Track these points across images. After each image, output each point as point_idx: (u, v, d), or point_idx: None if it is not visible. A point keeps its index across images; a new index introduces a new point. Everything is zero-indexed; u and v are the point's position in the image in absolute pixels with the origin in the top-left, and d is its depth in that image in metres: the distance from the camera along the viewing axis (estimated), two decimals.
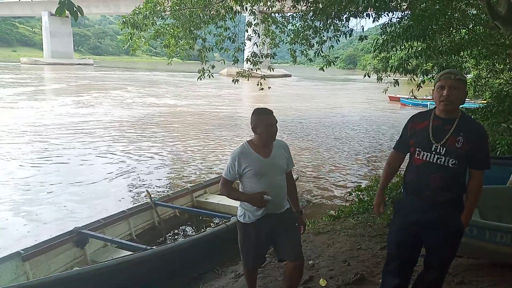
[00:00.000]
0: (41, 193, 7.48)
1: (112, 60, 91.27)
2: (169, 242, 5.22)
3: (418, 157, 2.29)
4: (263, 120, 2.65)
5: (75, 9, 2.85)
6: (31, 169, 8.92)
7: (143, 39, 9.63)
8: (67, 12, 2.85)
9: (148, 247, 4.14)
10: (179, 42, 9.56)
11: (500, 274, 3.14)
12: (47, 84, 32.53)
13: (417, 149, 2.29)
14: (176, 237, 5.80)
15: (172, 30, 9.35)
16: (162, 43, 10.00)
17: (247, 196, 2.69)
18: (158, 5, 8.77)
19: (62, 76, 39.43)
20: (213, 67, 9.17)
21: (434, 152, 2.22)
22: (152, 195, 5.88)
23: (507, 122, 7.31)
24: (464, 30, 8.85)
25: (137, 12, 8.76)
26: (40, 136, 12.23)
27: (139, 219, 5.60)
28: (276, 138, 2.82)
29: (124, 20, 8.84)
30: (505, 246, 3.03)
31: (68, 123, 14.56)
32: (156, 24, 9.27)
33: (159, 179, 8.67)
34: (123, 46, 10.14)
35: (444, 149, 2.19)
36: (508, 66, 9.66)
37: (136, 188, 8.03)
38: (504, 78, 11.81)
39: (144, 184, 8.19)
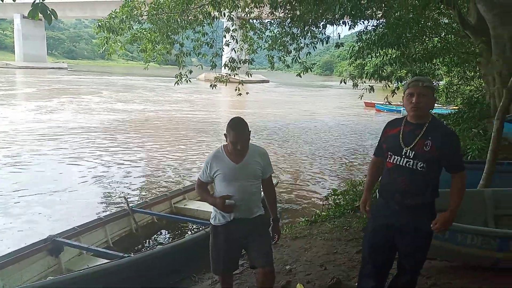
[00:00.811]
0: (12, 201, 7.22)
1: (87, 64, 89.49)
2: (146, 250, 5.13)
3: (389, 160, 2.37)
4: (230, 135, 2.66)
5: (48, 12, 2.79)
6: None
7: (119, 44, 9.51)
8: (40, 15, 2.79)
9: (125, 255, 4.05)
10: (156, 46, 9.48)
11: (472, 276, 3.22)
12: (18, 88, 31.57)
13: (389, 153, 2.38)
14: (154, 244, 5.68)
15: (149, 34, 9.26)
16: (139, 47, 9.90)
17: (212, 200, 2.74)
18: (135, 9, 8.69)
19: (34, 80, 38.39)
20: (190, 72, 9.12)
21: (404, 156, 2.30)
22: (129, 202, 5.77)
23: (478, 128, 7.54)
24: (436, 39, 9.13)
25: (113, 16, 8.65)
26: (8, 142, 11.82)
27: (116, 226, 5.46)
28: (254, 144, 2.84)
29: (99, 24, 8.71)
30: (476, 248, 3.11)
31: (38, 128, 14.09)
32: (132, 29, 9.17)
33: (135, 186, 8.52)
34: (99, 50, 10.00)
35: (413, 152, 2.27)
36: (478, 73, 10.01)
37: (112, 195, 7.86)
38: (475, 85, 12.24)
39: (121, 191, 8.03)
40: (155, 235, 5.97)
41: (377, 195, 2.58)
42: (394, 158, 2.34)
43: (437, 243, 3.11)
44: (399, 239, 2.35)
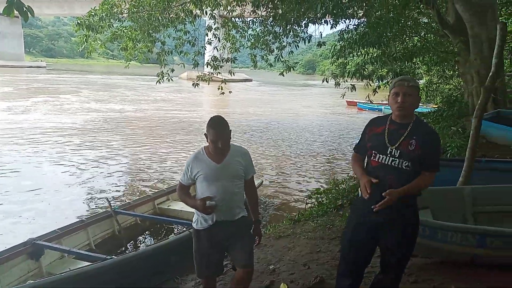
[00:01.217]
0: None
1: (67, 62, 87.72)
2: (129, 251, 5.06)
3: (374, 159, 2.37)
4: (210, 134, 2.62)
5: (24, 9, 2.70)
6: None
7: (99, 42, 9.36)
8: (16, 12, 2.70)
9: (108, 257, 3.98)
10: (137, 45, 9.37)
11: (452, 272, 3.27)
12: None
13: (373, 151, 2.38)
14: (137, 246, 5.63)
15: (129, 32, 9.14)
16: (120, 46, 9.75)
17: (192, 202, 2.69)
18: (115, 6, 8.56)
19: (11, 79, 37.43)
20: (172, 70, 9.05)
21: (389, 155, 2.30)
22: (112, 203, 5.67)
23: (457, 126, 7.69)
24: (416, 38, 9.27)
25: (93, 13, 8.49)
26: None
27: (98, 228, 5.36)
28: (236, 144, 2.80)
29: (79, 21, 8.54)
30: (456, 245, 3.16)
31: (15, 128, 13.77)
32: (113, 26, 9.03)
33: (118, 187, 8.41)
34: (78, 49, 9.81)
35: (398, 151, 2.28)
36: (457, 72, 10.20)
37: (94, 196, 7.73)
38: (453, 84, 12.48)
39: (103, 192, 7.90)
40: (138, 237, 5.90)
41: (359, 192, 2.58)
42: (379, 156, 2.34)
43: (418, 240, 3.15)
44: (384, 235, 2.35)
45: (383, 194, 2.22)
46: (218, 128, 2.63)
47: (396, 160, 2.28)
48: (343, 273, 2.56)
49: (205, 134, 2.68)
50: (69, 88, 30.72)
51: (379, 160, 2.34)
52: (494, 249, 3.11)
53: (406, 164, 2.26)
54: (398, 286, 2.53)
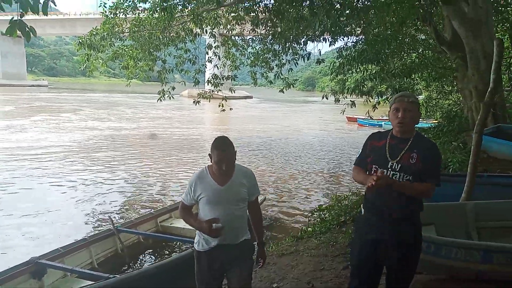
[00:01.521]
0: None
1: (68, 81, 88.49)
2: (132, 270, 5.00)
3: (375, 173, 2.36)
4: (214, 155, 2.53)
5: (27, 29, 2.74)
6: None
7: (101, 60, 9.48)
8: (19, 32, 2.74)
9: (111, 276, 3.95)
10: (138, 63, 9.49)
11: None
12: None
13: (374, 166, 2.38)
14: (140, 264, 5.57)
15: (131, 51, 9.26)
16: (121, 64, 9.86)
17: (197, 224, 2.58)
18: (116, 26, 8.69)
19: (12, 97, 37.68)
20: (173, 88, 9.14)
21: (390, 169, 2.30)
22: (114, 221, 5.64)
23: (457, 141, 7.69)
24: (414, 54, 9.36)
25: (94, 33, 8.62)
26: None
27: (101, 247, 5.31)
28: (240, 164, 2.71)
29: (80, 41, 8.67)
30: (460, 261, 3.13)
31: (16, 147, 13.77)
32: (114, 45, 9.16)
33: (120, 205, 8.36)
34: (80, 67, 9.94)
35: (399, 165, 2.28)
36: (455, 88, 10.26)
37: (96, 214, 7.68)
38: (453, 99, 12.55)
39: (105, 210, 7.85)
40: (141, 255, 5.84)
41: (362, 210, 2.57)
42: (380, 171, 2.33)
43: (422, 256, 3.13)
44: (387, 253, 2.34)
45: (377, 174, 2.19)
46: (223, 148, 2.53)
47: (397, 174, 2.28)
48: None
49: (209, 154, 2.59)
50: (70, 107, 30.90)
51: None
52: (499, 265, 3.08)
53: (407, 177, 2.27)
54: None
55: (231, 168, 2.58)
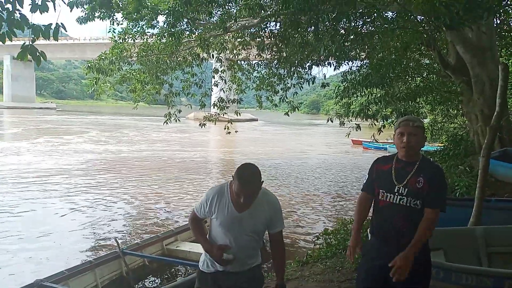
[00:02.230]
0: None
1: (76, 104, 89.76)
2: None
3: (382, 198, 2.36)
4: (235, 186, 2.23)
5: (38, 54, 2.80)
6: None
7: (109, 84, 9.64)
8: (29, 56, 2.80)
9: None
10: (145, 87, 9.63)
11: None
12: (3, 127, 31.30)
13: (381, 190, 2.36)
14: None
15: (138, 75, 9.43)
16: (128, 87, 10.01)
17: (207, 246, 2.36)
18: (124, 51, 8.87)
19: (21, 120, 38.16)
20: (179, 111, 9.23)
21: (396, 193, 2.28)
22: (120, 244, 5.61)
23: (464, 165, 7.64)
24: (419, 78, 9.42)
25: (103, 57, 8.80)
26: None
27: (106, 270, 5.28)
28: (266, 190, 2.42)
29: (89, 65, 8.85)
30: (471, 287, 3.06)
31: (22, 169, 13.84)
32: (122, 69, 9.33)
33: (125, 227, 8.33)
34: (88, 91, 10.10)
35: (406, 189, 2.26)
36: (461, 111, 10.25)
37: (101, 237, 7.66)
38: (458, 122, 12.52)
39: (110, 233, 7.81)
40: (146, 278, 5.77)
41: (369, 235, 2.54)
42: (387, 196, 2.32)
43: (432, 282, 3.06)
44: (395, 281, 2.29)
45: (390, 274, 2.15)
46: (245, 179, 2.21)
47: (404, 199, 2.26)
48: None
49: (233, 176, 2.29)
50: (78, 129, 31.18)
51: (387, 200, 2.32)
52: None
53: (414, 202, 2.24)
54: None
55: (252, 200, 2.27)
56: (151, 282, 5.74)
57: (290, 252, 7.19)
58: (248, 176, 2.23)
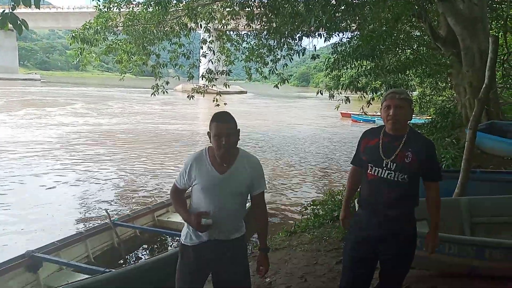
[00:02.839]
0: None
1: (61, 75, 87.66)
2: (129, 264, 4.99)
3: (370, 172, 2.36)
4: (213, 128, 2.22)
5: (19, 22, 2.70)
6: None
7: (94, 55, 9.39)
8: (10, 25, 2.69)
9: (107, 270, 3.92)
10: (132, 57, 9.40)
11: (450, 284, 3.25)
12: None
13: (369, 164, 2.37)
14: (136, 258, 5.57)
15: (124, 45, 9.19)
16: (114, 58, 9.77)
17: (185, 216, 2.30)
18: (110, 20, 8.60)
19: (4, 91, 37.24)
20: (167, 83, 9.07)
21: (385, 168, 2.29)
22: (111, 215, 5.63)
23: (451, 137, 7.73)
24: (409, 51, 9.38)
25: (88, 27, 8.53)
26: None
27: (97, 241, 5.28)
28: (245, 150, 2.42)
29: (73, 34, 8.58)
30: (454, 256, 3.15)
31: (3, 142, 13.63)
32: (107, 40, 9.08)
33: (116, 199, 8.32)
34: (73, 61, 9.85)
35: (395, 164, 2.27)
36: (449, 84, 10.30)
37: (92, 209, 7.65)
38: (446, 95, 12.60)
39: (101, 205, 7.81)
40: (138, 249, 5.83)
41: (356, 206, 2.57)
42: (375, 170, 2.33)
43: (416, 252, 3.13)
44: (382, 250, 2.34)
45: (427, 254, 2.35)
46: (223, 119, 2.24)
47: (392, 173, 2.27)
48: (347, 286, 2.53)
49: (208, 132, 2.28)
50: (64, 101, 30.61)
51: (375, 174, 2.33)
52: (493, 260, 3.10)
53: (402, 177, 2.26)
54: None
55: (233, 146, 2.25)
56: (142, 253, 5.80)
57: (278, 222, 7.31)
58: (223, 115, 2.26)
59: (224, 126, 2.21)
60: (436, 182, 2.33)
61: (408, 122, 2.39)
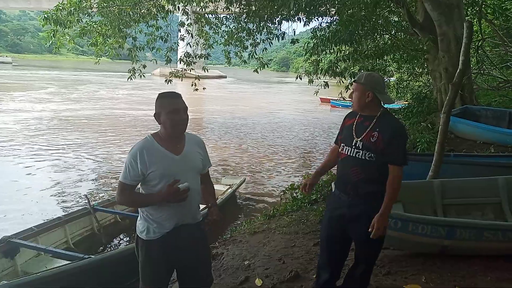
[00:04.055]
0: None
1: (34, 58, 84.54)
2: (108, 250, 4.95)
3: (342, 151, 2.48)
4: (167, 105, 2.14)
5: None
6: None
7: (68, 37, 9.07)
8: None
9: (85, 256, 3.89)
10: (107, 40, 9.12)
11: (422, 263, 3.36)
12: None
13: (342, 144, 2.49)
14: (117, 244, 5.52)
15: (99, 28, 8.90)
16: (89, 41, 9.48)
17: (157, 197, 2.14)
18: (84, 1, 8.31)
19: None
20: (144, 66, 8.86)
21: (353, 147, 2.39)
22: (91, 200, 5.55)
23: (426, 122, 7.90)
24: (387, 36, 9.44)
25: (61, 7, 8.22)
26: None
27: (77, 226, 5.22)
28: (191, 132, 2.40)
29: (46, 16, 8.26)
30: (426, 237, 3.25)
31: None
32: (81, 21, 8.77)
33: (95, 184, 8.21)
34: (46, 44, 9.49)
35: (362, 143, 2.36)
36: (426, 70, 10.46)
37: (70, 194, 7.55)
38: (423, 81, 12.82)
39: (79, 190, 7.70)
40: (119, 235, 5.78)
41: (333, 187, 2.63)
42: (346, 148, 2.44)
43: (390, 232, 3.22)
44: (353, 229, 2.41)
45: (369, 230, 2.27)
46: (176, 96, 2.20)
47: (360, 152, 2.36)
48: (322, 266, 2.64)
49: (154, 114, 2.20)
50: (37, 85, 29.63)
51: (346, 152, 2.43)
52: (463, 240, 3.22)
53: (369, 155, 2.33)
54: (369, 277, 2.61)
55: (186, 121, 2.22)
56: (123, 239, 5.75)
57: (258, 206, 7.38)
58: (173, 92, 2.21)
59: (179, 101, 2.19)
60: (396, 166, 2.32)
61: (386, 106, 2.47)
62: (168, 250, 2.23)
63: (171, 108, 2.14)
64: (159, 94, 2.23)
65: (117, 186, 2.22)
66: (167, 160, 2.17)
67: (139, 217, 2.33)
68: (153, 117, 2.23)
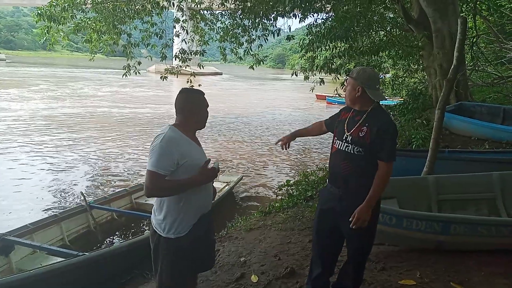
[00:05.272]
0: None
1: (28, 55, 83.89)
2: (104, 247, 4.94)
3: (334, 145, 2.51)
4: (205, 102, 2.33)
5: None
6: None
7: (62, 33, 9.00)
8: None
9: (80, 253, 3.88)
10: (102, 37, 9.07)
11: (417, 259, 3.38)
12: None
13: (334, 138, 2.52)
14: (113, 241, 5.50)
15: (94, 24, 8.84)
16: (84, 38, 9.41)
17: (195, 178, 2.13)
18: None
19: None
20: (139, 63, 8.81)
21: (344, 141, 2.41)
22: (87, 197, 5.53)
23: (421, 118, 7.92)
24: (382, 32, 9.45)
25: (54, 4, 8.16)
26: None
27: (73, 223, 5.20)
28: None
29: (39, 12, 8.19)
30: (421, 232, 3.27)
31: None
32: (76, 18, 8.71)
33: (90, 182, 8.16)
34: (40, 40, 9.42)
35: (351, 137, 2.38)
36: (421, 66, 10.48)
37: (66, 191, 7.50)
38: (418, 77, 12.85)
39: (75, 187, 7.66)
40: (115, 232, 5.75)
41: (327, 182, 2.63)
42: (337, 142, 2.46)
43: (385, 228, 3.24)
44: (343, 223, 2.40)
45: (350, 220, 2.27)
46: (204, 93, 2.41)
47: (349, 146, 2.37)
48: (315, 261, 2.64)
49: (183, 108, 2.26)
50: (32, 82, 29.42)
51: (337, 146, 2.45)
52: (457, 235, 3.24)
53: (357, 149, 2.34)
54: (362, 273, 2.61)
55: None
56: (119, 236, 5.72)
57: (254, 203, 7.38)
58: (201, 91, 2.41)
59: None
60: (384, 163, 2.30)
61: (381, 102, 2.49)
62: (195, 243, 2.23)
63: (207, 104, 2.36)
64: (187, 90, 2.40)
65: (145, 178, 2.10)
66: (197, 151, 2.26)
67: (161, 218, 2.22)
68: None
